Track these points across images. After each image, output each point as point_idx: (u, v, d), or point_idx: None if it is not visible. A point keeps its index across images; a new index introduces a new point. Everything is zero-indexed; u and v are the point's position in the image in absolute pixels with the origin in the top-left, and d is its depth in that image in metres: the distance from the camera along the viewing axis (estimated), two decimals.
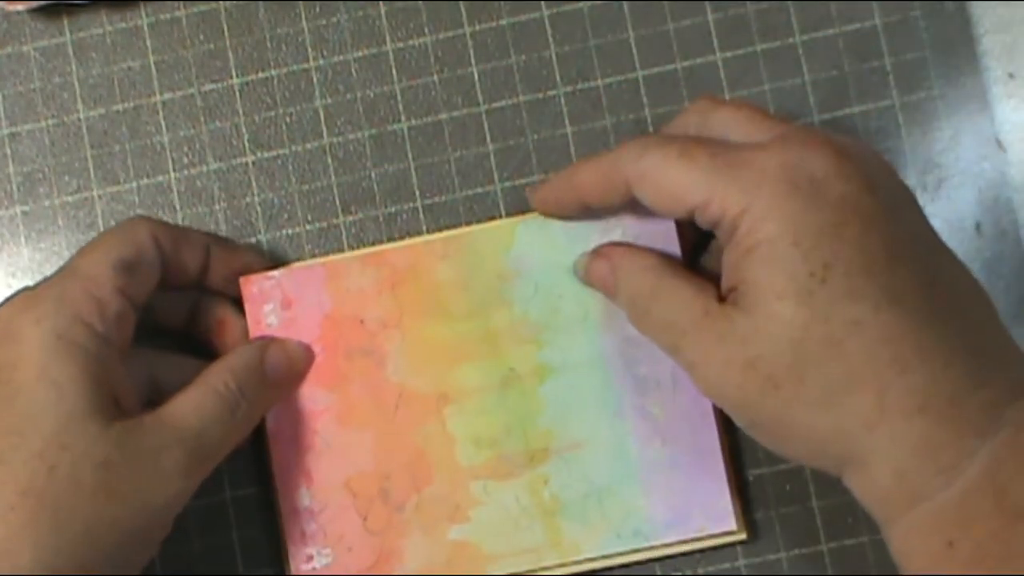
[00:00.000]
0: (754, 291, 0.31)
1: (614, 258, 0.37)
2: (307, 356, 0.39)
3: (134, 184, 0.42)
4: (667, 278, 0.35)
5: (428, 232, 0.41)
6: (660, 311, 0.34)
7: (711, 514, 0.38)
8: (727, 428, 0.38)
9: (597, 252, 0.38)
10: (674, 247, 0.38)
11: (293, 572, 0.39)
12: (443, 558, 0.38)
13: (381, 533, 0.39)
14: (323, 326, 0.39)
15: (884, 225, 0.31)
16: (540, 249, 0.39)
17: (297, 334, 0.39)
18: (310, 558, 0.39)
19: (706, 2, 0.41)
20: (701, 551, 0.39)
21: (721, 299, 0.33)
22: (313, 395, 0.39)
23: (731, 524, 0.38)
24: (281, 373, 0.38)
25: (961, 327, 0.31)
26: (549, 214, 0.39)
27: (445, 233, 0.40)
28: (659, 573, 0.39)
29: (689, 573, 0.39)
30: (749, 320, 0.31)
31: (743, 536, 0.38)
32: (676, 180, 0.33)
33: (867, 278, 0.30)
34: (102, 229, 0.41)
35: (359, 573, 0.38)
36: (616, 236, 0.38)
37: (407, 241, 0.40)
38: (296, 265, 0.40)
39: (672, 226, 0.38)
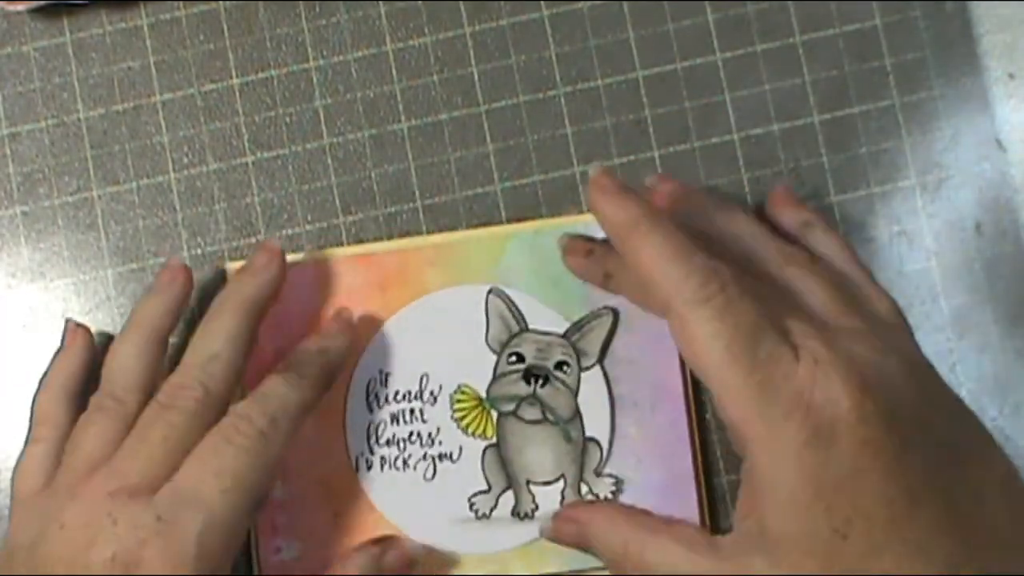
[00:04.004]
0: (777, 540, 0.31)
1: (580, 520, 0.37)
2: (421, 554, 0.39)
3: (134, 184, 0.42)
4: (645, 536, 0.35)
5: (428, 232, 0.41)
6: (658, 573, 0.34)
7: None
8: (702, 449, 0.39)
9: (559, 516, 0.37)
10: None
11: (261, 562, 0.39)
12: None
13: (351, 530, 0.39)
14: (311, 323, 0.39)
15: (904, 466, 0.31)
16: (530, 261, 0.39)
17: (285, 330, 0.39)
18: (278, 550, 0.39)
19: (706, 2, 0.41)
20: None
21: (713, 541, 0.33)
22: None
23: None
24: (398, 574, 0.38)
25: (987, 547, 0.31)
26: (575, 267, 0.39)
27: (436, 238, 0.40)
28: None
29: None
30: (774, 571, 0.31)
31: None
32: (708, 359, 0.32)
33: (889, 531, 0.30)
34: (102, 229, 0.41)
35: (325, 567, 0.38)
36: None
37: (398, 243, 0.40)
38: (289, 259, 0.40)
39: None
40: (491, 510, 0.39)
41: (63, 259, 0.42)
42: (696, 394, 0.39)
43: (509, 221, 0.41)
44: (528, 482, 0.39)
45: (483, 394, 0.39)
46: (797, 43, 0.41)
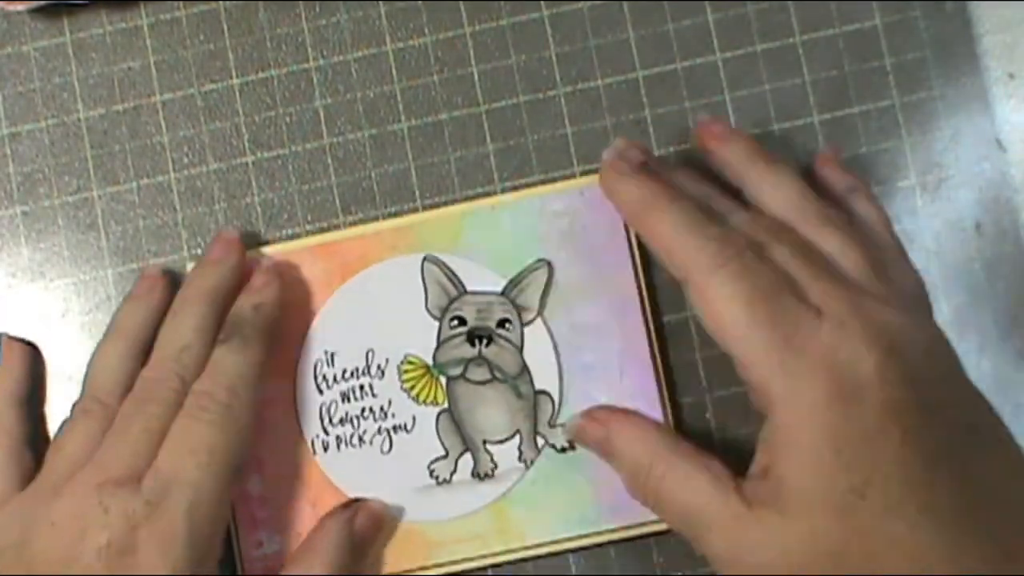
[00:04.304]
0: (794, 497, 0.31)
1: (611, 424, 0.37)
2: (389, 512, 0.39)
3: (134, 184, 0.42)
4: (674, 459, 0.34)
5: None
6: (676, 499, 0.34)
7: None
8: (673, 415, 0.39)
9: (590, 415, 0.37)
10: (622, 242, 0.39)
11: (243, 557, 0.39)
12: (391, 544, 0.39)
13: None
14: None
15: (924, 431, 0.31)
16: (487, 237, 0.39)
17: None
18: (260, 544, 0.39)
19: (706, 2, 0.41)
20: (651, 535, 0.38)
21: (739, 484, 0.33)
22: (264, 385, 0.38)
23: None
24: (370, 536, 0.38)
25: (996, 523, 0.31)
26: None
27: (393, 222, 0.40)
28: (612, 556, 0.39)
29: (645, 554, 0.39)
30: (788, 527, 0.31)
31: None
32: (729, 321, 0.33)
33: (905, 494, 0.30)
34: (102, 229, 0.41)
35: None
36: (563, 225, 0.39)
37: (356, 230, 0.40)
38: (248, 254, 0.40)
39: (620, 223, 0.39)
40: (451, 474, 0.39)
41: (63, 259, 0.42)
42: (664, 359, 0.39)
43: None
44: (484, 442, 0.39)
45: (430, 361, 0.39)
46: (797, 43, 0.41)
